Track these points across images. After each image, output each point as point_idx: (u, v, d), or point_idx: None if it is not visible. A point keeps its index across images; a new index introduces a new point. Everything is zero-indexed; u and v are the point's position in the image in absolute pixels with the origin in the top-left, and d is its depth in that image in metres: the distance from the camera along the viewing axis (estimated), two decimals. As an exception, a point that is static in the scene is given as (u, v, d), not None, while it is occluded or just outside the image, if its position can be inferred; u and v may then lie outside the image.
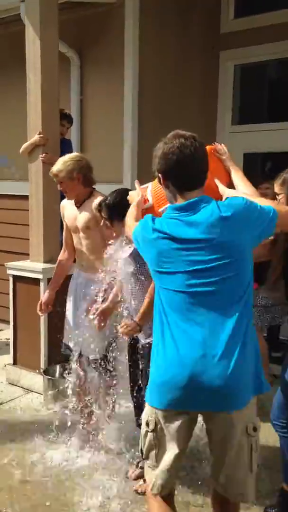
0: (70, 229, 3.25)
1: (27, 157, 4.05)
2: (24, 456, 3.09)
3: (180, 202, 1.87)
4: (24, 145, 3.99)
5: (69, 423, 3.19)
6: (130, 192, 2.32)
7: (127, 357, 2.94)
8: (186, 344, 1.79)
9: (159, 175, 1.91)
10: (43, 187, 3.95)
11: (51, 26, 3.87)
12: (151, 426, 1.90)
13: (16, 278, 4.08)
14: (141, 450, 1.99)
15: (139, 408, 2.85)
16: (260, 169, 5.88)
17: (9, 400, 3.85)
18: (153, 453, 1.93)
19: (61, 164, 3.05)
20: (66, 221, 3.28)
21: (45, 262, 4.00)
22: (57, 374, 3.80)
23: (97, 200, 3.03)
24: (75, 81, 4.86)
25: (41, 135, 3.87)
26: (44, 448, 3.17)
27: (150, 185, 2.27)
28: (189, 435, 1.95)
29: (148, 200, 2.21)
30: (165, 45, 4.77)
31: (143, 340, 2.72)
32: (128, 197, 2.30)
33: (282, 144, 5.05)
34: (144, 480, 2.74)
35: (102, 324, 2.91)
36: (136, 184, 2.34)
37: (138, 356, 2.77)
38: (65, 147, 4.18)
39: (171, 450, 1.89)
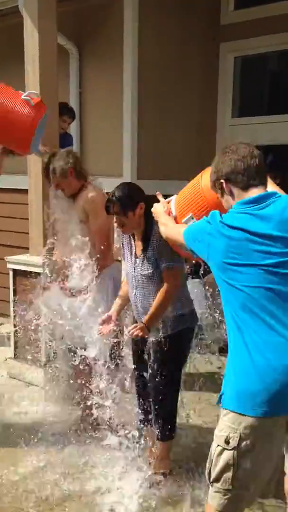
0: None
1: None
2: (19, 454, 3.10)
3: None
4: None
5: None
6: (154, 205, 2.35)
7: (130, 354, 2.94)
8: (275, 348, 1.71)
9: (222, 182, 1.89)
10: (43, 180, 3.93)
11: (50, 18, 3.83)
12: (233, 443, 1.72)
13: (16, 272, 4.07)
14: (209, 471, 1.80)
15: (143, 405, 2.85)
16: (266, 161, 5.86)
17: (11, 394, 3.85)
18: (228, 475, 1.75)
19: (52, 165, 3.09)
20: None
21: (45, 256, 3.98)
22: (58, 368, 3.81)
23: (88, 193, 3.05)
24: (74, 73, 4.83)
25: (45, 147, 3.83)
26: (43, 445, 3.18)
27: (173, 198, 2.35)
28: (281, 451, 1.81)
29: (172, 212, 2.29)
30: (165, 37, 4.74)
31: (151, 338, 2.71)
32: (152, 209, 2.34)
33: (283, 137, 5.03)
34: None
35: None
36: (160, 197, 2.38)
37: (144, 353, 2.76)
38: (66, 142, 4.16)
39: (262, 471, 1.74)
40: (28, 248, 4.17)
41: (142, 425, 2.90)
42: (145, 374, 2.76)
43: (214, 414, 3.51)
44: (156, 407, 2.73)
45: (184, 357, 2.77)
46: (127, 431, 3.13)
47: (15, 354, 4.17)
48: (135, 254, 2.71)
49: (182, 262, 2.63)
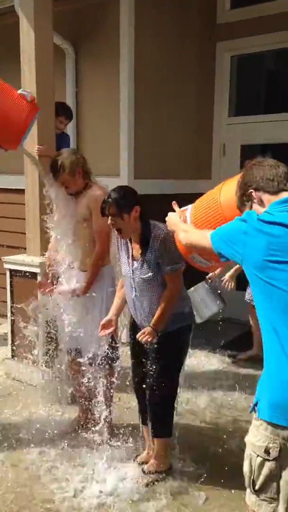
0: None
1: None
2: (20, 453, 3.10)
3: None
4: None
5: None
6: (169, 214, 2.31)
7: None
8: None
9: (251, 191, 1.87)
10: (39, 180, 3.93)
11: (46, 18, 3.83)
12: (274, 454, 1.66)
13: (13, 272, 4.07)
14: (252, 481, 1.74)
15: (142, 403, 2.85)
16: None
17: (8, 394, 3.85)
18: (273, 485, 1.69)
19: (61, 161, 3.06)
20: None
21: (42, 256, 3.99)
22: (55, 367, 3.81)
23: (93, 192, 3.06)
24: (70, 73, 4.83)
25: (39, 146, 3.82)
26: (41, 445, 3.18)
27: (189, 208, 2.35)
28: None
29: (187, 222, 2.28)
30: (161, 36, 4.74)
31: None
32: (167, 218, 2.30)
33: (279, 136, 5.04)
34: (144, 472, 2.77)
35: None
36: (175, 206, 2.37)
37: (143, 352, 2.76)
38: (63, 142, 4.14)
39: None
40: (25, 248, 4.17)
41: (141, 424, 2.91)
42: (143, 371, 2.77)
43: (212, 414, 3.54)
44: (155, 404, 2.73)
45: (183, 354, 2.78)
46: (123, 430, 3.16)
47: (12, 354, 4.16)
48: (133, 256, 2.71)
49: (182, 262, 2.64)
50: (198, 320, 4.34)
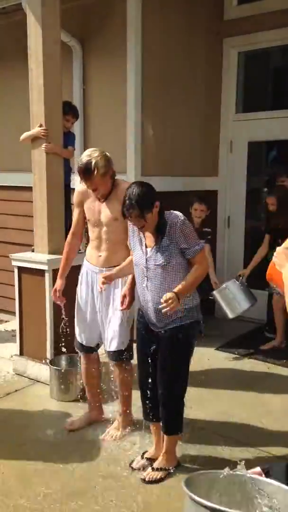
0: (90, 221, 3.13)
1: (31, 147, 4.03)
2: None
3: None
4: (25, 134, 3.98)
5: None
6: (278, 249, 1.97)
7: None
8: None
9: None
10: (47, 177, 3.94)
11: (53, 15, 3.83)
12: None
13: (22, 270, 4.08)
14: None
15: (151, 400, 2.86)
16: (265, 158, 5.85)
17: (16, 391, 3.87)
18: None
19: (95, 161, 2.87)
20: (87, 212, 3.14)
21: (50, 253, 4.00)
22: (63, 365, 3.83)
23: (122, 187, 2.91)
24: (77, 70, 4.83)
25: (42, 128, 3.85)
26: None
27: None
28: None
29: None
30: (168, 33, 4.73)
31: (157, 329, 2.72)
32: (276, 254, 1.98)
33: (287, 132, 5.02)
34: (152, 469, 2.79)
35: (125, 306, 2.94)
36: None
37: (151, 348, 2.76)
38: (69, 141, 4.15)
39: None
40: (32, 246, 4.19)
41: (147, 420, 2.91)
42: (150, 367, 2.78)
43: (216, 410, 3.54)
44: (168, 401, 2.74)
45: (192, 348, 2.78)
46: (130, 428, 3.18)
47: (20, 351, 4.18)
48: (145, 245, 2.71)
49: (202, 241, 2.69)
50: (230, 315, 4.40)
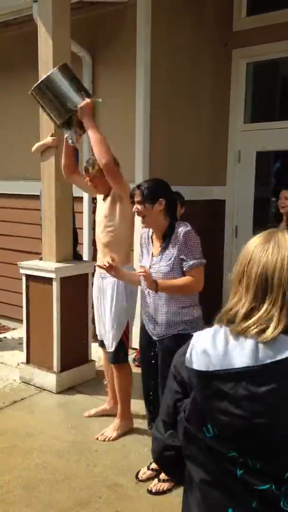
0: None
1: (40, 156, 4.06)
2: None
3: None
4: (36, 145, 4.02)
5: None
6: None
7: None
8: None
9: None
10: (55, 187, 3.96)
11: (64, 26, 3.88)
12: None
13: (29, 278, 4.10)
14: None
15: (150, 410, 2.85)
16: (273, 168, 5.85)
17: (22, 399, 3.87)
18: None
19: (93, 159, 3.13)
20: (97, 217, 3.35)
21: (58, 261, 4.02)
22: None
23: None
24: (86, 80, 4.87)
25: (54, 137, 3.89)
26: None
27: None
28: None
29: None
30: (177, 44, 4.76)
31: (155, 338, 2.72)
32: None
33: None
34: (159, 480, 2.76)
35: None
36: None
37: (153, 356, 2.76)
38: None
39: None
40: (40, 253, 4.20)
41: (150, 427, 2.90)
42: (153, 376, 2.77)
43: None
44: None
45: None
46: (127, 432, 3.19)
47: (27, 359, 4.18)
48: (152, 254, 2.74)
49: (203, 260, 2.63)
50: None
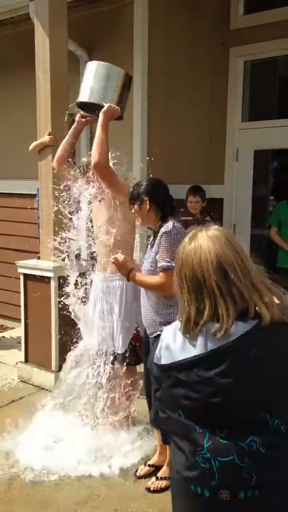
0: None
1: (37, 156, 4.06)
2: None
3: None
4: (34, 143, 4.02)
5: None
6: None
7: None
8: None
9: None
10: (53, 185, 3.96)
11: (60, 25, 3.87)
12: None
13: (27, 277, 4.10)
14: None
15: (151, 407, 2.85)
16: (271, 166, 5.86)
17: (21, 398, 3.87)
18: None
19: (88, 159, 3.14)
20: (93, 217, 3.32)
21: (55, 260, 4.01)
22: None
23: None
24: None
25: (51, 136, 3.89)
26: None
27: None
28: None
29: None
30: (174, 42, 4.76)
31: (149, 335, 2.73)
32: None
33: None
34: (157, 478, 2.77)
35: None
36: None
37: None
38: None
39: None
40: (38, 253, 4.20)
41: (154, 427, 2.90)
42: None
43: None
44: None
45: None
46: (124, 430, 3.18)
47: (25, 358, 4.19)
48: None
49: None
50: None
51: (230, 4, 5.17)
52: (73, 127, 3.36)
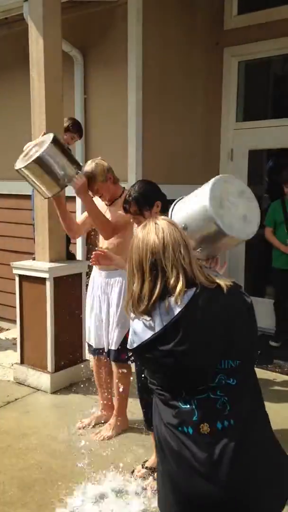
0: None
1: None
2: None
3: None
4: (28, 144, 4.00)
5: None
6: None
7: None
8: None
9: None
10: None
11: (55, 25, 3.86)
12: None
13: (23, 278, 4.08)
14: None
15: (145, 408, 2.85)
16: (266, 166, 5.87)
17: (16, 399, 3.86)
18: None
19: (92, 169, 3.06)
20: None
21: (51, 261, 4.01)
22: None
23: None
24: (78, 80, 4.86)
25: None
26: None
27: None
28: None
29: None
30: (169, 43, 4.76)
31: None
32: None
33: (287, 141, 5.03)
34: (154, 478, 2.77)
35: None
36: None
37: None
38: None
39: None
40: (33, 254, 4.19)
41: (148, 429, 2.90)
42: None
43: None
44: None
45: None
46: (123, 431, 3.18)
47: (21, 360, 4.17)
48: None
49: None
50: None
51: (224, 4, 5.19)
52: (58, 211, 3.23)
